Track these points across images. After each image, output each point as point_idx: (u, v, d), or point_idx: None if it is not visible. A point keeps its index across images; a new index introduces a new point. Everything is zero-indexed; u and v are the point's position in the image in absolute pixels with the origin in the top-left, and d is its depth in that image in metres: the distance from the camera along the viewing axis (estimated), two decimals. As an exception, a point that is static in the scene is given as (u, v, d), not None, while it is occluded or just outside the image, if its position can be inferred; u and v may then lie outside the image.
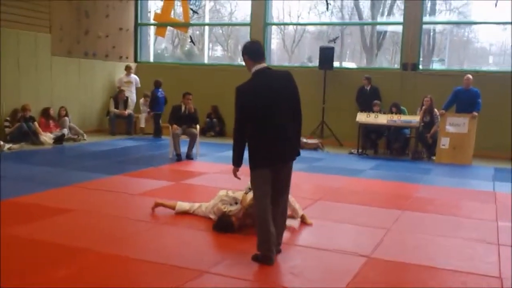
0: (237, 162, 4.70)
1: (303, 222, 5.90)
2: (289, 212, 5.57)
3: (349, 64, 19.52)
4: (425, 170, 10.20)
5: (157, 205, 6.17)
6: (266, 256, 4.56)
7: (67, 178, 8.02)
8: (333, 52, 13.76)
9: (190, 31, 16.18)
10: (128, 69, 14.98)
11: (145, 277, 4.23)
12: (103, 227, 5.59)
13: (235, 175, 4.78)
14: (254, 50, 4.68)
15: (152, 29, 16.76)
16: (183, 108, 10.57)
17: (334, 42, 14.32)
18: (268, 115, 4.49)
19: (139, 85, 15.17)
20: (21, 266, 4.34)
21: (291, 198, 5.70)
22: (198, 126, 10.82)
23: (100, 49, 14.65)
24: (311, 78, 14.03)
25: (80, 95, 14.12)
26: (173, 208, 6.06)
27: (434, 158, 11.50)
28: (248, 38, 15.05)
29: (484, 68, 12.73)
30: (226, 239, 5.31)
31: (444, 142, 11.32)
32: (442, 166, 10.75)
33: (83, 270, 4.35)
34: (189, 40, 15.33)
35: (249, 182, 5.90)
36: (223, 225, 5.42)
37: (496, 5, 12.72)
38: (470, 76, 11.35)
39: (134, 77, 15.15)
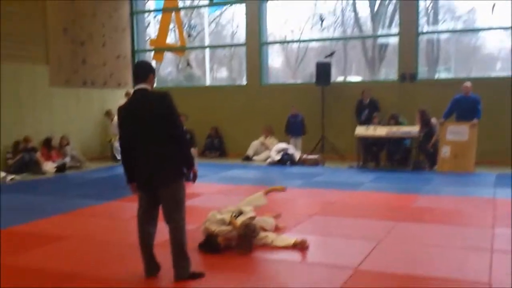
0: (126, 178, 4.69)
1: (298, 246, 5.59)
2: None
3: (353, 78, 19.56)
4: (425, 180, 10.11)
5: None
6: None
7: (65, 206, 8.03)
8: (330, 67, 13.76)
9: (193, 55, 16.31)
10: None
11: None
12: (95, 252, 5.58)
13: (133, 192, 4.75)
14: (134, 72, 4.77)
15: (150, 55, 16.89)
16: (179, 131, 10.58)
17: (331, 57, 14.35)
18: (134, 136, 4.54)
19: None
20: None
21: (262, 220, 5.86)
22: (195, 148, 10.82)
23: (98, 78, 14.78)
24: (309, 94, 14.06)
25: (80, 123, 14.21)
26: None
27: (436, 167, 11.41)
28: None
29: (487, 75, 12.62)
30: (211, 258, 5.27)
31: (445, 151, 11.24)
32: (443, 175, 10.66)
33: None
34: (186, 63, 15.45)
35: (239, 206, 5.93)
36: (208, 245, 5.40)
37: (492, 11, 12.73)
38: (469, 84, 11.29)
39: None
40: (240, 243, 5.37)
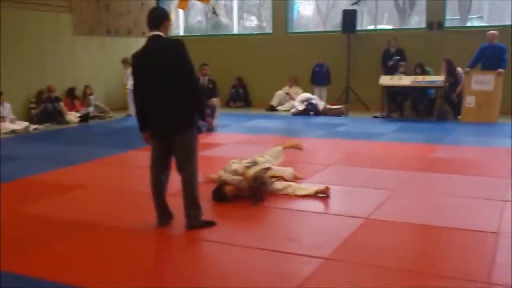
0: (139, 127, 4.71)
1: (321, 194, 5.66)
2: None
3: (384, 27, 19.10)
4: (448, 130, 10.01)
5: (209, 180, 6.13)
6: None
7: (85, 156, 8.14)
8: (356, 15, 13.50)
9: (221, 3, 16.03)
10: (124, 62, 14.82)
11: (141, 247, 4.34)
12: (109, 202, 5.70)
13: (146, 141, 4.77)
14: (148, 18, 4.65)
15: (175, 3, 16.73)
16: (201, 80, 10.61)
17: (357, 4, 14.02)
18: (147, 83, 4.52)
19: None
20: (24, 242, 4.48)
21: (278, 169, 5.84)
22: (218, 98, 10.86)
23: (122, 26, 14.71)
24: (334, 43, 13.87)
25: (104, 73, 14.26)
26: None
27: (460, 117, 11.26)
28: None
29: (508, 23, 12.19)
30: (223, 208, 5.35)
31: (469, 101, 11.05)
32: (467, 125, 10.52)
33: (83, 243, 4.45)
34: (212, 11, 15.24)
35: (254, 156, 5.97)
36: (218, 193, 5.49)
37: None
38: (495, 32, 10.99)
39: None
40: (250, 194, 5.44)
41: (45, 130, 11.32)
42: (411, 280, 3.58)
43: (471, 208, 5.14)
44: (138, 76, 4.64)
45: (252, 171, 5.47)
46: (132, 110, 12.94)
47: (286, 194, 5.62)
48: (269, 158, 5.97)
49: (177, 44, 4.59)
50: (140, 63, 4.61)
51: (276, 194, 5.63)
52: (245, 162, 5.75)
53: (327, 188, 5.61)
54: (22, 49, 12.03)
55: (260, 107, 14.39)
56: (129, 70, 12.82)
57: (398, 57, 12.63)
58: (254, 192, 5.43)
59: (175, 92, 4.51)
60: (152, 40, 4.59)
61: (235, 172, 5.59)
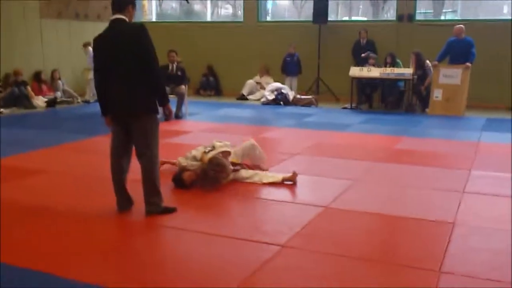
0: (101, 111, 4.68)
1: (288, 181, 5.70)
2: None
3: (357, 18, 19.20)
4: (415, 122, 10.12)
5: (162, 163, 6.05)
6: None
7: (49, 140, 8.05)
8: (327, 5, 13.49)
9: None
10: (86, 45, 14.57)
11: (100, 232, 4.30)
12: (70, 187, 5.64)
13: (108, 126, 4.74)
14: (112, 1, 4.59)
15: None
16: (170, 67, 10.54)
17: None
18: (107, 67, 4.50)
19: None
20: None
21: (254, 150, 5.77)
22: (186, 86, 10.79)
23: (91, 10, 14.48)
24: (306, 33, 13.88)
25: (72, 58, 14.00)
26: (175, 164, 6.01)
27: (427, 110, 11.39)
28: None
29: (482, 17, 12.37)
30: (184, 194, 5.34)
31: (437, 94, 11.17)
32: (434, 118, 10.64)
33: (41, 228, 4.40)
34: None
35: (213, 141, 5.94)
36: (177, 180, 5.48)
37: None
38: (462, 26, 11.12)
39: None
40: (203, 177, 5.43)
41: (11, 114, 11.13)
42: (363, 267, 3.62)
43: (429, 199, 5.20)
44: (98, 60, 4.61)
45: (210, 155, 5.46)
46: (90, 96, 12.80)
47: (252, 183, 5.62)
48: (228, 143, 5.94)
49: (138, 28, 4.54)
50: (100, 47, 4.58)
51: (238, 182, 5.62)
52: (203, 148, 5.74)
53: (294, 175, 5.65)
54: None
55: (230, 96, 14.35)
56: (90, 52, 12.60)
57: (370, 51, 12.67)
58: (208, 175, 5.40)
59: (133, 77, 4.46)
60: (113, 23, 4.53)
61: (194, 158, 5.58)
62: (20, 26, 12.58)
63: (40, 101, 12.18)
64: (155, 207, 4.67)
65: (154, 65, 4.54)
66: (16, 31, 12.49)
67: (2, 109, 11.19)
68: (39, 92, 12.49)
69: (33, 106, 11.89)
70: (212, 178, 5.40)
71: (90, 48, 12.29)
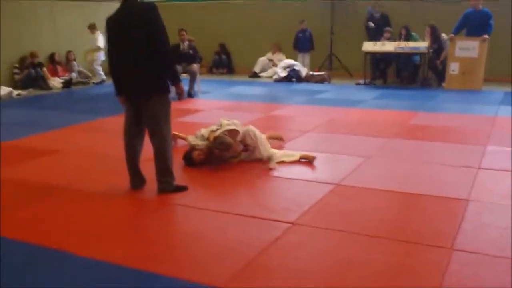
0: (115, 91, 4.69)
1: (305, 159, 5.63)
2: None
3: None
4: (430, 97, 9.98)
5: (175, 136, 6.10)
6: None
7: (64, 121, 8.10)
8: (339, -20, 13.30)
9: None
10: (91, 28, 14.52)
11: (112, 210, 4.31)
12: (83, 166, 5.67)
13: (122, 105, 4.75)
14: None
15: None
16: (181, 46, 10.48)
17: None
18: (119, 47, 4.49)
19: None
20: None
21: (256, 134, 5.60)
22: (197, 64, 10.73)
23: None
24: (318, 9, 13.70)
25: (85, 39, 13.95)
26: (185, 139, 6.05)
27: (443, 84, 11.22)
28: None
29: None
30: (195, 172, 5.34)
31: (453, 68, 10.99)
32: (450, 92, 10.49)
33: (55, 206, 4.44)
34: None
35: (221, 120, 5.91)
36: (187, 159, 5.49)
37: None
38: (479, -3, 10.88)
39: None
40: (209, 156, 5.41)
41: (28, 96, 11.24)
42: (374, 245, 3.57)
43: (443, 175, 5.13)
44: (110, 40, 4.60)
45: (217, 134, 5.43)
46: (97, 78, 12.80)
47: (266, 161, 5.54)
48: (236, 122, 5.88)
49: (148, 8, 4.48)
50: (112, 27, 4.56)
51: (246, 160, 5.59)
52: (212, 126, 5.71)
53: (312, 157, 5.58)
54: (2, 15, 11.78)
55: (243, 73, 14.28)
56: (96, 35, 12.60)
57: (384, 24, 12.45)
58: (213, 153, 5.39)
59: (144, 57, 4.42)
60: (124, 4, 4.52)
61: (203, 137, 5.57)
62: (32, 8, 12.56)
63: (56, 82, 12.26)
64: (168, 186, 4.69)
65: (165, 45, 4.50)
66: (29, 13, 12.49)
67: (20, 91, 11.28)
68: (54, 73, 12.56)
69: (49, 87, 11.99)
70: (218, 156, 5.37)
71: (98, 32, 12.32)
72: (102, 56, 12.75)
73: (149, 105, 4.53)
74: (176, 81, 4.71)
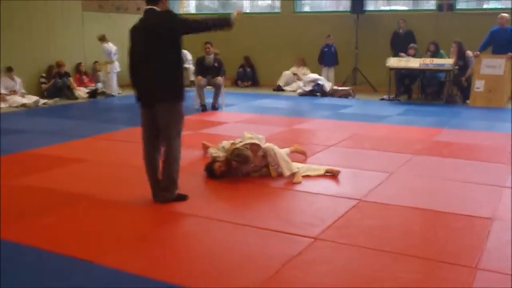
0: (136, 97, 4.76)
1: (330, 173, 5.64)
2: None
3: (395, 8, 18.82)
4: (454, 114, 9.91)
5: (204, 146, 6.37)
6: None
7: (89, 130, 8.23)
8: (365, -5, 13.32)
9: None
10: (102, 40, 14.65)
11: (133, 220, 4.35)
12: (108, 176, 5.74)
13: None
14: None
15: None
16: (207, 59, 10.58)
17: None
18: (137, 55, 4.58)
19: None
20: (21, 212, 4.52)
21: (276, 151, 5.54)
22: (223, 77, 10.79)
23: (131, 3, 14.64)
24: (343, 23, 13.72)
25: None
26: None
27: (468, 101, 11.13)
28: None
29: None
30: (216, 184, 5.38)
31: (478, 85, 10.92)
32: (474, 110, 10.41)
33: (75, 215, 4.50)
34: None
35: (244, 133, 5.94)
36: (208, 171, 5.53)
37: None
38: (506, 15, 10.81)
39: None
40: (228, 168, 5.44)
41: (54, 105, 11.42)
42: (397, 262, 3.55)
43: (467, 193, 5.08)
44: (132, 47, 4.69)
45: (237, 146, 5.47)
46: (113, 89, 12.84)
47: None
48: (260, 136, 5.89)
49: (171, 17, 4.58)
50: (134, 35, 4.67)
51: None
52: (237, 140, 5.77)
53: (337, 171, 5.59)
54: (32, 25, 12.12)
55: (267, 87, 14.34)
56: (107, 46, 12.63)
57: (409, 41, 12.43)
58: (231, 166, 5.40)
59: (159, 64, 4.50)
60: (147, 13, 4.62)
61: (224, 149, 5.62)
62: (62, 18, 12.85)
63: (82, 92, 12.45)
64: (170, 195, 4.74)
65: (177, 57, 4.61)
66: (59, 23, 12.78)
67: (46, 100, 11.47)
68: (80, 83, 12.76)
69: (75, 97, 12.19)
70: (236, 169, 5.40)
71: (109, 43, 12.41)
72: (117, 67, 12.82)
73: (161, 110, 4.58)
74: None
